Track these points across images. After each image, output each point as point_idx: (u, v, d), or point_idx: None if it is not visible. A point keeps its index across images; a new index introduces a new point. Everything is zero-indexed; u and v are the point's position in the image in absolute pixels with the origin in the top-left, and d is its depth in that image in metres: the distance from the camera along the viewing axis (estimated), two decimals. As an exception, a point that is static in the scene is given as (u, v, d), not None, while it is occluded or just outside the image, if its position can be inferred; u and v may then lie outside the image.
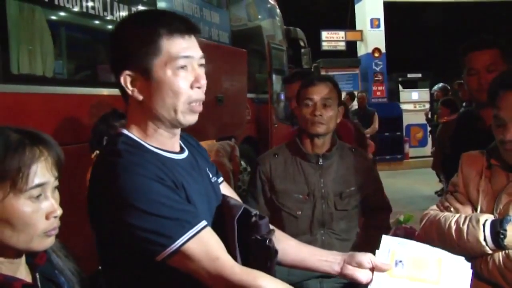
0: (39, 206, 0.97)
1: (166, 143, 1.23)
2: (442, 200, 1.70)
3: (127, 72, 1.18)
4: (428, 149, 9.89)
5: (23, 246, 0.98)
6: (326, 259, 1.40)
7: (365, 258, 1.35)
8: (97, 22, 3.21)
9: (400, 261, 1.35)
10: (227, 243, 1.24)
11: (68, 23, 3.08)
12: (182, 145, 1.30)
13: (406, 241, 1.43)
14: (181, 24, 1.19)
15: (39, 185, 0.97)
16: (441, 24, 16.86)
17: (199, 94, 1.20)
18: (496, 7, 13.63)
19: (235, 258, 1.20)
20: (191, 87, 1.19)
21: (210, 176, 1.37)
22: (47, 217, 0.98)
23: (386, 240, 1.41)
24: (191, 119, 1.21)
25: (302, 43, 7.83)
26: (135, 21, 1.22)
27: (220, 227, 1.27)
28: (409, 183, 8.76)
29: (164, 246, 1.09)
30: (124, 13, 3.36)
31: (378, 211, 2.20)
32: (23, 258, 1.03)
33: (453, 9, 14.80)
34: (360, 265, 1.35)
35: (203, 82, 1.20)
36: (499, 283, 1.47)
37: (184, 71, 1.18)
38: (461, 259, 1.40)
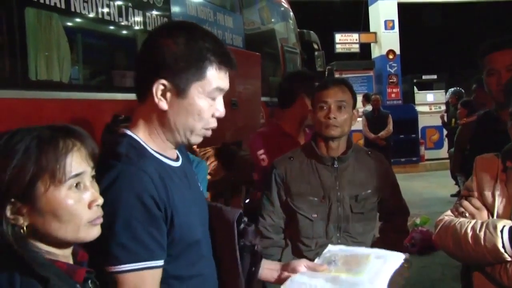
0: (81, 196, 1.01)
1: (167, 150, 1.26)
2: (456, 205, 1.66)
3: (163, 81, 1.18)
4: (444, 151, 9.77)
5: (72, 237, 1.01)
6: (268, 267, 1.47)
7: (300, 263, 1.43)
8: (112, 28, 3.26)
9: (334, 261, 1.43)
10: (218, 248, 1.31)
11: (84, 29, 3.13)
12: (178, 153, 1.33)
13: (347, 247, 1.52)
14: (228, 59, 1.23)
15: (77, 175, 1.00)
16: (456, 25, 16.69)
17: (215, 123, 1.25)
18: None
19: (234, 259, 1.28)
20: (213, 115, 1.24)
21: (199, 185, 1.41)
22: (89, 206, 1.01)
23: (330, 248, 1.51)
24: (198, 141, 1.27)
25: (315, 46, 7.82)
26: (189, 38, 1.19)
27: (211, 234, 1.33)
28: (425, 185, 8.68)
29: (108, 263, 1.10)
30: (138, 19, 3.40)
31: (395, 215, 2.19)
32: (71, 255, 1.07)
33: (468, 10, 14.65)
34: (294, 271, 1.42)
35: (223, 112, 1.25)
36: None
37: (213, 101, 1.22)
38: (398, 254, 1.44)
